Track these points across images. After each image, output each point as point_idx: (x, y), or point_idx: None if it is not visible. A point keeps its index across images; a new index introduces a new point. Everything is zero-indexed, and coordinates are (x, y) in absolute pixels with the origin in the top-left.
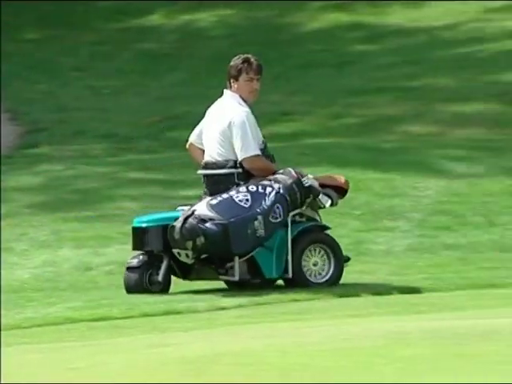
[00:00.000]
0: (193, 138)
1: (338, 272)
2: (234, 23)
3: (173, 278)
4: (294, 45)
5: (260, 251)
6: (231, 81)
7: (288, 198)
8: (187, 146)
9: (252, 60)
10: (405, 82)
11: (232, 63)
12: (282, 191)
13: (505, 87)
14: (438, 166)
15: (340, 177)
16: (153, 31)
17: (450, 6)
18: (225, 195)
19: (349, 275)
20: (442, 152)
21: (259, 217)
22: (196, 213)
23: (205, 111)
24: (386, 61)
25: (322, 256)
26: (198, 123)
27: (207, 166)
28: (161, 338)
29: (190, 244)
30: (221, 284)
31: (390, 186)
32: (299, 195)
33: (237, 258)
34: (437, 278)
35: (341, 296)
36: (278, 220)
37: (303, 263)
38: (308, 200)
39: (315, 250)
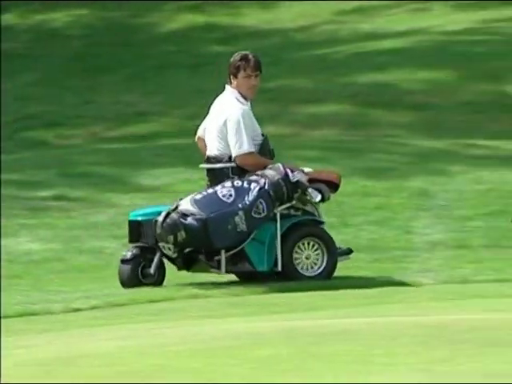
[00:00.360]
0: (200, 132)
1: (331, 266)
2: (89, 23)
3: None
4: (149, 45)
5: (251, 244)
6: (231, 77)
7: (272, 194)
8: (196, 139)
9: (250, 57)
10: (261, 84)
11: (231, 60)
12: (266, 187)
13: (358, 88)
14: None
15: (332, 172)
16: (7, 31)
17: (303, 8)
18: (210, 190)
19: (203, 276)
20: (296, 153)
21: (240, 212)
22: (179, 207)
23: (60, 111)
24: None
25: (316, 250)
26: (53, 123)
27: (208, 160)
28: (14, 340)
29: (171, 238)
30: (226, 277)
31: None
32: (286, 190)
33: (223, 252)
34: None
35: (195, 297)
36: (262, 215)
37: (295, 256)
38: (296, 195)
39: (308, 243)
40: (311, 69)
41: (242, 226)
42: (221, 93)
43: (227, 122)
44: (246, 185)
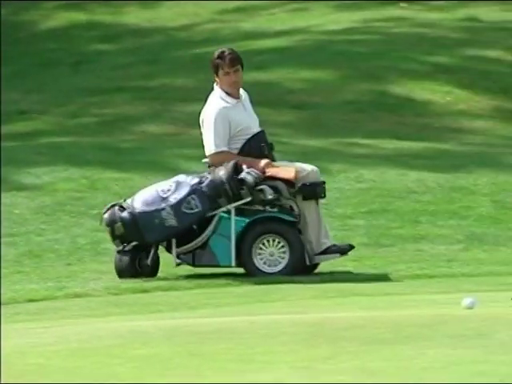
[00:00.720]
0: None
1: (293, 263)
2: None
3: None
4: (30, 43)
5: (215, 239)
6: (214, 76)
7: (206, 190)
8: None
9: (225, 53)
10: (142, 82)
11: (211, 59)
12: (203, 184)
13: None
14: (175, 166)
15: (291, 169)
16: None
17: (185, 7)
18: (155, 184)
19: (86, 274)
20: (178, 151)
21: (167, 207)
22: (127, 200)
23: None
24: (124, 60)
25: (282, 247)
26: None
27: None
28: None
29: (110, 231)
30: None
31: (128, 185)
32: (229, 187)
33: (174, 245)
34: (173, 277)
35: (76, 296)
36: (195, 211)
37: (258, 252)
38: (243, 191)
39: (273, 240)
40: (192, 67)
41: (171, 221)
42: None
43: (203, 121)
44: (187, 180)
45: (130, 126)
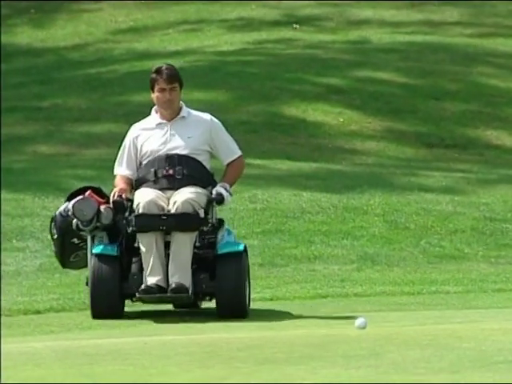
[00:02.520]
0: None
1: None
2: None
3: None
4: None
5: None
6: (151, 93)
7: (54, 217)
8: None
9: (163, 69)
10: (34, 102)
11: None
12: (57, 211)
13: (133, 108)
14: (68, 186)
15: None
16: None
17: (77, 26)
18: None
19: None
20: (71, 172)
21: (49, 233)
22: None
23: None
24: (15, 80)
25: None
26: None
27: None
28: None
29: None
30: None
31: (20, 206)
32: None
33: None
34: (67, 297)
35: None
36: (55, 237)
37: None
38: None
39: None
40: (85, 87)
41: (53, 247)
42: None
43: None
44: None
45: (22, 146)
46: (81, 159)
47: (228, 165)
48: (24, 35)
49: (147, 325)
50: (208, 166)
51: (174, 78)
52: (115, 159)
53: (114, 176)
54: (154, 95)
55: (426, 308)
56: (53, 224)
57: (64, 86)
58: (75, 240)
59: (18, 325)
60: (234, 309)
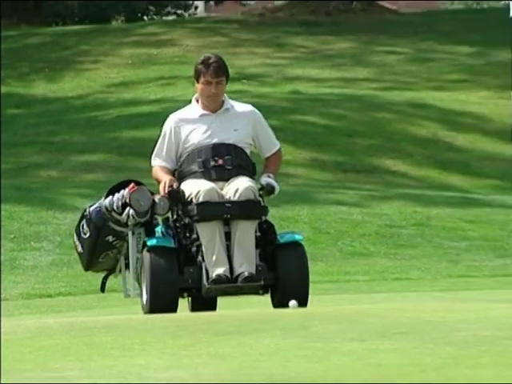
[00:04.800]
0: None
1: None
2: None
3: None
4: None
5: None
6: (195, 82)
7: (87, 214)
8: None
9: (211, 61)
10: (48, 138)
11: (195, 64)
12: (91, 208)
13: (123, 142)
14: (73, 202)
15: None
16: None
17: (80, 80)
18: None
19: (5, 284)
20: (75, 191)
21: (74, 233)
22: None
23: None
24: (33, 121)
25: None
26: None
27: None
28: None
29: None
30: None
31: (37, 216)
32: (113, 211)
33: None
34: (73, 285)
35: None
36: (87, 235)
37: None
38: (125, 213)
39: None
40: (86, 127)
41: (79, 247)
42: None
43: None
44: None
45: (39, 171)
46: (82, 181)
47: (268, 157)
48: (40, 88)
49: (134, 305)
50: (252, 159)
51: (222, 71)
52: (109, 181)
53: (152, 166)
54: (199, 86)
55: (342, 292)
56: (83, 222)
57: (70, 125)
58: (110, 238)
59: (34, 306)
60: (297, 299)
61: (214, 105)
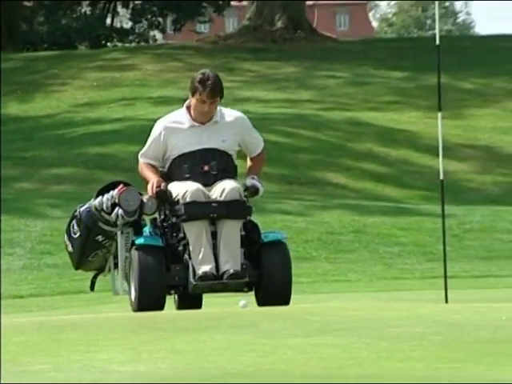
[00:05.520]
0: None
1: None
2: None
3: None
4: None
5: None
6: (189, 93)
7: (78, 215)
8: None
9: (209, 82)
10: (20, 153)
11: (193, 77)
12: (81, 209)
13: (88, 157)
14: (43, 211)
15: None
16: None
17: (50, 101)
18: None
19: None
20: (45, 201)
21: (65, 233)
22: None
23: None
24: (8, 138)
25: None
26: None
27: None
28: None
29: None
30: None
31: (10, 224)
32: (102, 211)
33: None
34: (42, 287)
35: None
36: (77, 235)
37: None
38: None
39: None
40: (55, 144)
41: (69, 247)
42: None
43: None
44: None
45: (12, 183)
46: (52, 192)
47: (252, 158)
48: (13, 108)
49: (100, 305)
50: (235, 162)
51: (217, 92)
52: (78, 192)
53: (139, 159)
54: (193, 100)
55: None
56: (74, 222)
57: (41, 142)
58: (99, 237)
59: (7, 305)
60: (280, 297)
61: (204, 120)
